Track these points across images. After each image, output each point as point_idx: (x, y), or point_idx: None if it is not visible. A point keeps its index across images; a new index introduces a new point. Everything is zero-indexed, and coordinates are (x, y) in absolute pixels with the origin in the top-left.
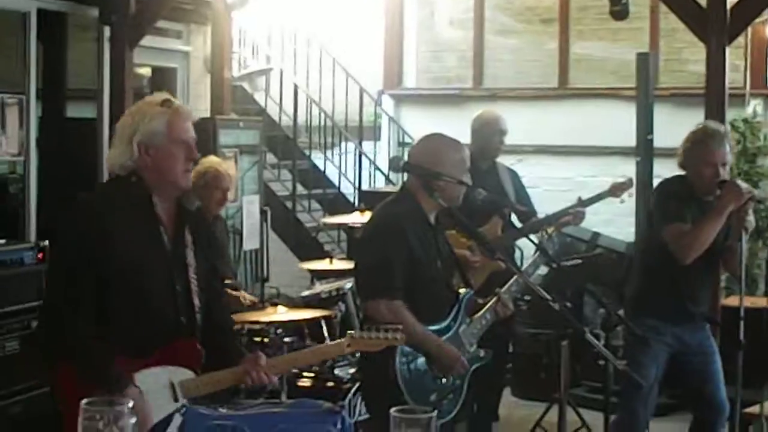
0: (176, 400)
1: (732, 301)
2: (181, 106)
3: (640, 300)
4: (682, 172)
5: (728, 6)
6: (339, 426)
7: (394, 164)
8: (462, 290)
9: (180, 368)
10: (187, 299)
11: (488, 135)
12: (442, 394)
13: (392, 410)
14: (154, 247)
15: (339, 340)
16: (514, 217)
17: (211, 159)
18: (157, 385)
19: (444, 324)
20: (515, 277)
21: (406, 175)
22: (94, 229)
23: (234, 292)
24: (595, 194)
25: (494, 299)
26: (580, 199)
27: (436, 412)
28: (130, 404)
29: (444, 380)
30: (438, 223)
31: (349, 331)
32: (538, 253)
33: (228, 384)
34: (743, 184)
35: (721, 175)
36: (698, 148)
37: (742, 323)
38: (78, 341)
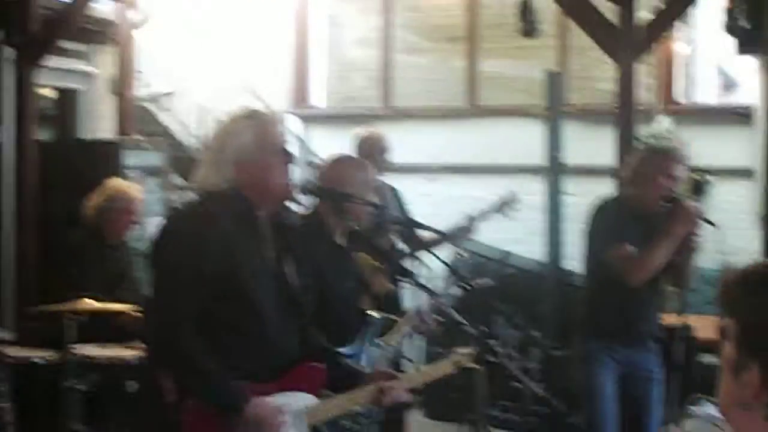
0: (298, 428)
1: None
2: (266, 114)
3: (588, 323)
4: (592, 190)
5: (638, 23)
6: None
7: (304, 187)
8: (372, 312)
9: (302, 393)
10: (294, 320)
11: (370, 153)
12: (356, 418)
13: None
14: (260, 266)
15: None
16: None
17: (119, 182)
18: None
19: (354, 348)
20: (428, 301)
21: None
22: (207, 242)
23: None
24: (480, 211)
25: (404, 323)
26: (470, 217)
27: None
28: None
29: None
30: (349, 245)
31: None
32: (450, 275)
33: (359, 404)
34: (693, 205)
35: (675, 190)
36: (659, 159)
37: (684, 344)
38: (198, 361)
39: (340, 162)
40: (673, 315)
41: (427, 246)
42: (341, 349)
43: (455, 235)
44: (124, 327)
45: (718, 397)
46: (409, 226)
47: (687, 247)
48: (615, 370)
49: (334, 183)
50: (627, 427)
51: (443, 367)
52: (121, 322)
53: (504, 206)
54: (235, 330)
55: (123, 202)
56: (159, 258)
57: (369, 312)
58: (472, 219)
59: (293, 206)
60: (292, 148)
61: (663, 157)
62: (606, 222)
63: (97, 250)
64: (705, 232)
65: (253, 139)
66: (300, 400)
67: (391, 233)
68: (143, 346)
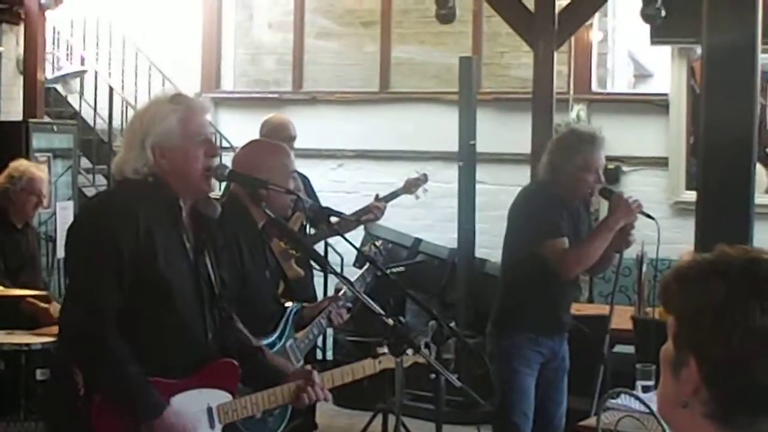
0: (212, 426)
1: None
2: (193, 100)
3: (512, 314)
4: (505, 178)
5: (556, 11)
6: None
7: (219, 173)
8: (288, 303)
9: (217, 390)
10: (212, 314)
11: (277, 140)
12: (268, 410)
13: None
14: (178, 257)
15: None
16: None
17: (24, 162)
18: (194, 409)
19: (272, 338)
20: (344, 288)
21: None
22: (125, 229)
23: (44, 304)
24: (390, 192)
25: (321, 312)
26: (377, 196)
27: None
28: None
29: None
30: (264, 233)
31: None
32: (367, 265)
33: (276, 404)
34: (631, 197)
35: (593, 182)
36: (571, 152)
37: (607, 336)
38: (113, 362)
39: (254, 147)
40: (588, 305)
41: (339, 232)
42: (262, 341)
43: (365, 217)
44: (30, 313)
45: (657, 401)
46: (320, 213)
47: (623, 240)
48: (537, 362)
49: (250, 168)
50: (535, 412)
51: (366, 367)
52: (27, 308)
53: (413, 187)
54: (151, 323)
55: (26, 182)
56: (75, 249)
57: (286, 302)
58: (381, 199)
59: (212, 195)
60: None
61: (589, 146)
62: (536, 211)
63: (2, 233)
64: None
65: (177, 125)
66: (214, 398)
67: (304, 219)
68: (53, 335)
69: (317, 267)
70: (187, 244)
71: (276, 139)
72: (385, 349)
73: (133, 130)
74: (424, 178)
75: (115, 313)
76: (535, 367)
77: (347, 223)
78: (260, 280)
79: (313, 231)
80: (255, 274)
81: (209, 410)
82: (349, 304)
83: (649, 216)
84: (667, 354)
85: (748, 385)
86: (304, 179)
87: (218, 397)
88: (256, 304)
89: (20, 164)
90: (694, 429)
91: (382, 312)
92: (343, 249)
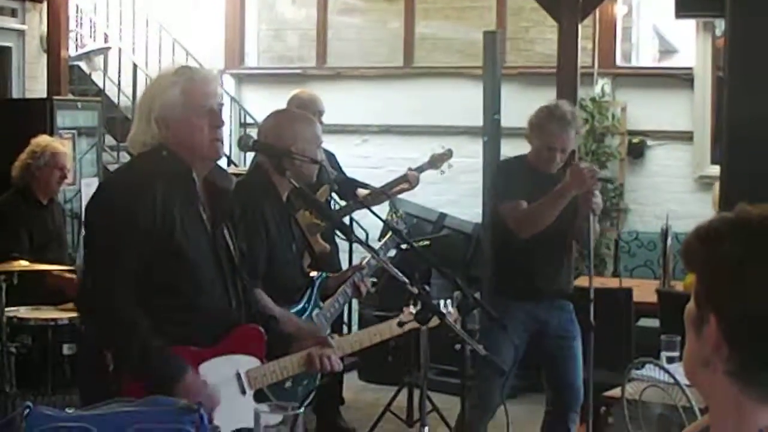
0: (243, 392)
1: (583, 281)
2: (197, 71)
3: (492, 280)
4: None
5: None
6: (196, 424)
7: (243, 143)
8: (314, 273)
9: (245, 356)
10: (233, 282)
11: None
12: (298, 380)
13: (256, 406)
14: (196, 227)
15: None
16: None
17: (46, 138)
18: (223, 377)
19: (299, 307)
20: (368, 257)
21: (251, 155)
22: (142, 203)
23: (70, 275)
24: (416, 167)
25: (346, 282)
26: (410, 169)
27: (301, 407)
28: None
29: None
30: (290, 203)
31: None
32: (389, 234)
33: (296, 370)
34: (588, 166)
35: (558, 160)
36: (539, 130)
37: (591, 305)
38: (130, 330)
39: (281, 116)
40: (613, 278)
41: (366, 205)
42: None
43: (394, 189)
44: (56, 287)
45: (683, 362)
46: (347, 185)
47: (585, 207)
48: (521, 324)
49: (274, 138)
50: (548, 384)
51: (384, 330)
52: (53, 282)
53: (438, 162)
54: (171, 293)
55: (49, 157)
56: (92, 220)
57: (311, 272)
58: (407, 174)
59: (227, 167)
60: (225, 107)
61: (547, 131)
62: (503, 178)
63: (27, 210)
64: (643, 197)
65: (180, 97)
66: (242, 364)
67: (329, 192)
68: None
69: (343, 237)
70: (204, 215)
71: (310, 112)
72: (412, 309)
73: (141, 104)
74: (449, 153)
75: (131, 285)
76: (512, 335)
77: (375, 196)
78: (286, 252)
79: (340, 205)
80: (281, 246)
81: (238, 376)
82: (374, 279)
83: (608, 181)
84: (690, 313)
85: (767, 342)
86: (330, 155)
87: (246, 362)
88: (282, 276)
89: (42, 140)
90: (716, 387)
91: (407, 280)
92: (368, 224)
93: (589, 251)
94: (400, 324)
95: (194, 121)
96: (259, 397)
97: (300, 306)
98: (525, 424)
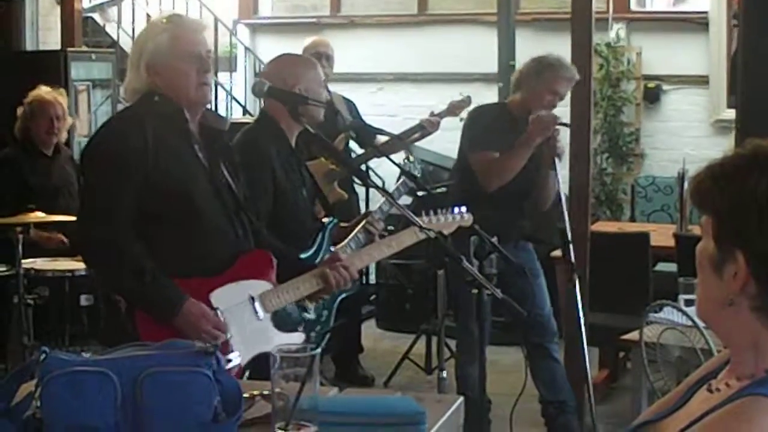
0: (258, 316)
1: (599, 226)
2: (185, 19)
3: None
4: None
5: None
6: (214, 367)
7: (258, 89)
8: (325, 219)
9: (256, 281)
10: (237, 215)
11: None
12: (310, 326)
13: (273, 348)
14: (193, 163)
15: (411, 227)
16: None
17: (39, 89)
18: (236, 302)
19: (309, 253)
20: (383, 200)
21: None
22: (134, 142)
23: (47, 234)
24: (435, 113)
25: (359, 226)
26: (431, 114)
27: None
28: None
29: (311, 312)
30: (299, 148)
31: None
32: (402, 178)
33: (310, 290)
34: (547, 113)
35: (555, 105)
36: (549, 73)
37: (570, 246)
38: (129, 262)
39: (285, 61)
40: (629, 223)
41: (384, 152)
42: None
43: (414, 136)
44: (70, 239)
45: (698, 304)
46: (365, 132)
47: (551, 154)
48: None
49: (280, 83)
50: (519, 324)
51: (403, 238)
52: (68, 234)
53: (457, 109)
54: (178, 226)
55: (36, 107)
56: (86, 164)
57: (323, 218)
58: (428, 119)
59: (243, 117)
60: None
61: (556, 73)
62: (475, 127)
63: (30, 161)
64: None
65: (167, 43)
66: (254, 288)
67: (348, 139)
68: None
69: (359, 183)
70: (200, 154)
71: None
72: (424, 217)
73: (132, 52)
74: (467, 101)
75: (130, 225)
76: None
77: (394, 143)
78: (296, 197)
79: (357, 153)
80: (291, 191)
81: (252, 300)
82: (391, 226)
83: (566, 125)
84: (707, 254)
85: None
86: (350, 103)
87: (258, 286)
88: (293, 221)
89: (35, 91)
90: (740, 325)
91: (422, 224)
92: (384, 172)
93: (560, 198)
94: (421, 228)
95: (182, 66)
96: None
97: (311, 252)
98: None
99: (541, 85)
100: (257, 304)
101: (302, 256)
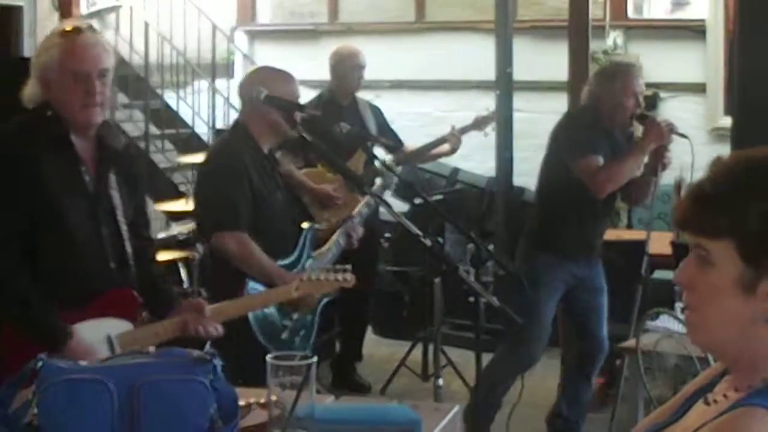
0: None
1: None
2: (80, 36)
3: (541, 236)
4: (542, 106)
5: None
6: (211, 375)
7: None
8: (305, 224)
9: (117, 320)
10: (116, 244)
11: (347, 70)
12: (294, 331)
13: (269, 357)
14: (75, 188)
15: (288, 283)
16: (379, 152)
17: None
18: (93, 339)
19: (290, 259)
20: (364, 200)
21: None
22: (13, 170)
23: None
24: (460, 127)
25: (339, 230)
26: (453, 127)
27: (314, 357)
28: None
29: (295, 317)
30: (272, 157)
31: (298, 274)
32: (379, 181)
33: (169, 336)
34: (664, 120)
35: (641, 106)
36: (620, 79)
37: (646, 258)
38: (14, 294)
39: (272, 71)
40: (627, 230)
41: (411, 160)
42: (281, 261)
43: (438, 150)
44: None
45: (706, 332)
46: (381, 144)
47: (658, 162)
48: (562, 283)
49: (280, 92)
50: (576, 335)
51: (272, 296)
52: None
53: (482, 124)
54: (48, 255)
55: None
56: None
57: (303, 223)
58: (457, 131)
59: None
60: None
61: (628, 75)
62: (576, 132)
63: None
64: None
65: (56, 59)
66: (113, 327)
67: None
68: None
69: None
70: (86, 177)
71: (346, 68)
72: (303, 275)
73: (33, 59)
74: (492, 116)
75: (13, 251)
76: (554, 291)
77: (416, 155)
78: (272, 201)
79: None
80: (266, 195)
81: (109, 339)
82: (388, 234)
83: (683, 135)
84: (731, 277)
85: None
86: (376, 110)
87: (118, 326)
88: (271, 225)
89: None
90: (758, 340)
91: (420, 233)
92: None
93: (651, 206)
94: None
95: (68, 85)
96: (256, 347)
97: (293, 258)
98: (544, 378)
99: (620, 92)
100: (115, 344)
101: (284, 262)
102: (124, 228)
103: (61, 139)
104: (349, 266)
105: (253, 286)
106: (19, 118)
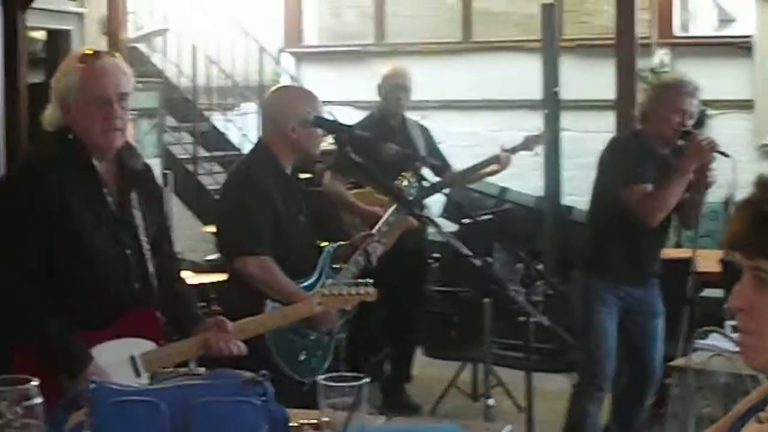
0: (138, 374)
1: None
2: (100, 60)
3: (594, 259)
4: (590, 124)
5: None
6: (262, 396)
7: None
8: (324, 244)
9: (140, 340)
10: (139, 264)
11: (392, 90)
12: (311, 351)
13: (320, 378)
14: (98, 210)
15: (309, 299)
16: (427, 173)
17: None
18: (117, 360)
19: (311, 281)
20: (384, 218)
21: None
22: (37, 195)
23: None
24: (510, 147)
25: (355, 251)
26: (503, 149)
27: (363, 379)
28: (35, 383)
29: (312, 337)
30: (296, 178)
31: (319, 289)
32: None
33: (192, 354)
34: (706, 138)
35: (687, 124)
36: (668, 94)
37: (690, 278)
38: (33, 319)
39: (298, 91)
40: (675, 249)
41: (458, 181)
42: (302, 282)
43: (487, 169)
44: None
45: None
46: (429, 166)
47: (702, 181)
48: (616, 306)
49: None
50: (630, 360)
51: (297, 311)
52: None
53: (532, 144)
54: (69, 277)
55: None
56: None
57: (324, 243)
58: (507, 151)
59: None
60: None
61: (675, 92)
62: (623, 158)
63: None
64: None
65: (77, 84)
66: (137, 347)
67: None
68: None
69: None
70: (109, 199)
71: (392, 88)
72: (324, 290)
73: (53, 82)
74: (542, 135)
75: (32, 273)
76: (614, 309)
77: (465, 175)
78: (294, 223)
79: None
80: (288, 217)
81: (132, 359)
82: (437, 254)
83: (724, 154)
84: None
85: None
86: (425, 130)
87: (141, 345)
88: (292, 247)
89: None
90: None
91: (470, 253)
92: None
93: (697, 224)
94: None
95: (88, 109)
96: (271, 368)
97: (313, 279)
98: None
99: (666, 108)
100: (138, 364)
101: (305, 283)
102: (146, 247)
103: (84, 162)
104: (370, 280)
105: (274, 306)
106: (42, 142)
